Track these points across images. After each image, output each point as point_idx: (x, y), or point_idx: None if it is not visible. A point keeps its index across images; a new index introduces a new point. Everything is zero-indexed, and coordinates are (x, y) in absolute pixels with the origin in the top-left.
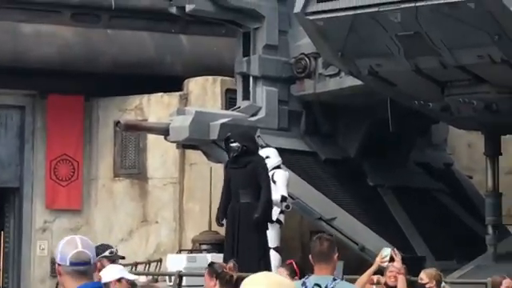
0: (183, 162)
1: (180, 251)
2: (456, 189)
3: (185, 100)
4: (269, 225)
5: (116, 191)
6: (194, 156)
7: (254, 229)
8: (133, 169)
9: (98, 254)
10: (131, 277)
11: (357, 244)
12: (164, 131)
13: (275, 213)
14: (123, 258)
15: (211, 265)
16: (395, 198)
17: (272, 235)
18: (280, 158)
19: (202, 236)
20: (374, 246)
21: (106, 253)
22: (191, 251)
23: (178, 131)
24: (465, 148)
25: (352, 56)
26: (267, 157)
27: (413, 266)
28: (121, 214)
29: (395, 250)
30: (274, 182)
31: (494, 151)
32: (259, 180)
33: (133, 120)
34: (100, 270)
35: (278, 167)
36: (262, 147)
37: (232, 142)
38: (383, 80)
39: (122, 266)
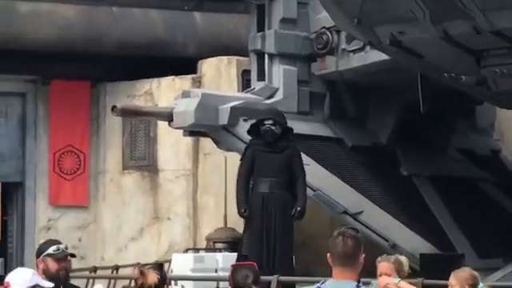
0: (197, 152)
1: (187, 250)
2: (503, 178)
3: (198, 83)
4: None
5: (125, 185)
6: (209, 145)
7: (292, 224)
8: (143, 160)
9: (42, 252)
10: (46, 284)
11: (387, 241)
12: (167, 116)
13: None
14: (73, 255)
15: None
16: (433, 188)
17: None
18: None
19: (217, 233)
20: (407, 242)
21: (50, 250)
22: (199, 250)
23: (182, 116)
24: None
25: (370, 23)
26: None
27: (451, 265)
28: (131, 210)
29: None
30: None
31: None
32: (295, 168)
33: (130, 104)
34: (44, 271)
35: None
36: None
37: (273, 125)
38: (408, 50)
39: (33, 270)
